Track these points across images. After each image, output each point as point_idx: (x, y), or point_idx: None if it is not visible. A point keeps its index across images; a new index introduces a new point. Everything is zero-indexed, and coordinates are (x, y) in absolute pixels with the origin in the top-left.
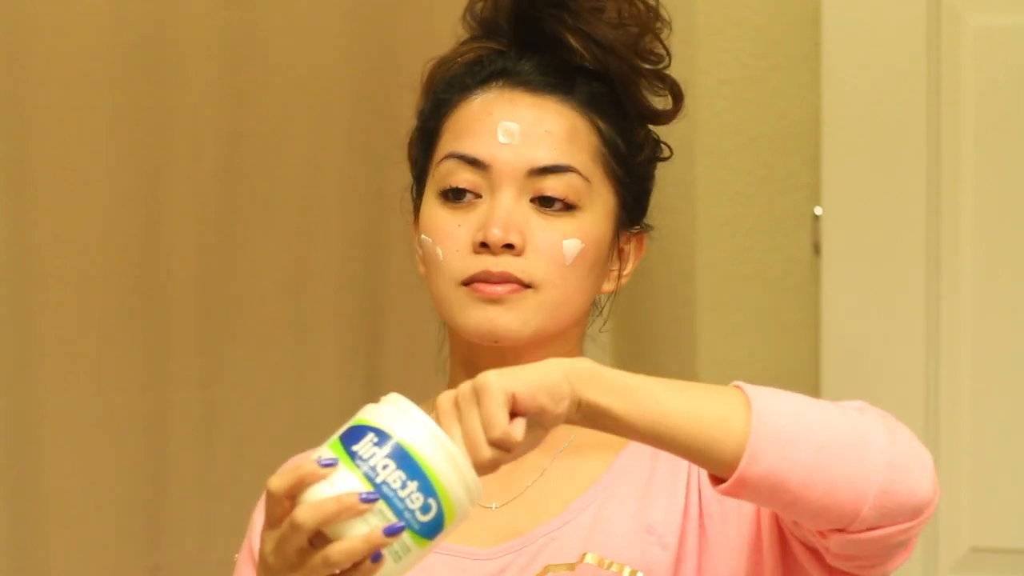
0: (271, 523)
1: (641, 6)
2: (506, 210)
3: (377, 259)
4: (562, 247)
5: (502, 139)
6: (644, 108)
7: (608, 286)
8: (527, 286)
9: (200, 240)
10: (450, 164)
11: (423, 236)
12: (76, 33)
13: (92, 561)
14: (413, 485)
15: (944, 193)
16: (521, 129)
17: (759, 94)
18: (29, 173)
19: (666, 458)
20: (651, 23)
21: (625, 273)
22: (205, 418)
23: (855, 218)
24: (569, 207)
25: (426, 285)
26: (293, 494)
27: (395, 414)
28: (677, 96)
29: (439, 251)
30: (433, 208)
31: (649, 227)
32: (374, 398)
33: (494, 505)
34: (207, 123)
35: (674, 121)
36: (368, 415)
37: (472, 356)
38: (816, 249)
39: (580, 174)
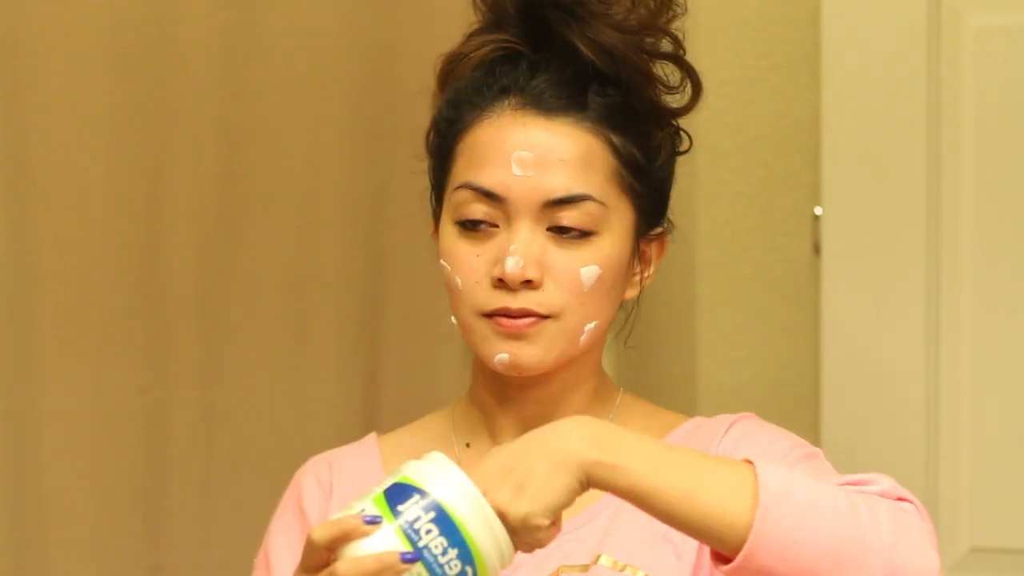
0: (307, 569)
1: (650, 4)
2: (523, 244)
3: (377, 259)
4: (580, 275)
5: (516, 171)
6: (659, 108)
7: (631, 292)
8: (546, 317)
9: (200, 240)
10: (465, 194)
11: (442, 262)
12: (76, 33)
13: (92, 561)
14: (453, 552)
15: (944, 193)
16: (535, 157)
17: (759, 94)
18: (29, 173)
19: None
20: (657, 18)
21: (647, 275)
22: (205, 418)
23: (855, 218)
24: (585, 234)
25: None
26: (334, 547)
27: (441, 477)
28: (695, 82)
29: (459, 280)
30: (451, 236)
31: (670, 225)
32: (374, 398)
33: None
34: (207, 123)
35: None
36: (414, 474)
37: (496, 376)
38: (816, 249)
39: (596, 200)
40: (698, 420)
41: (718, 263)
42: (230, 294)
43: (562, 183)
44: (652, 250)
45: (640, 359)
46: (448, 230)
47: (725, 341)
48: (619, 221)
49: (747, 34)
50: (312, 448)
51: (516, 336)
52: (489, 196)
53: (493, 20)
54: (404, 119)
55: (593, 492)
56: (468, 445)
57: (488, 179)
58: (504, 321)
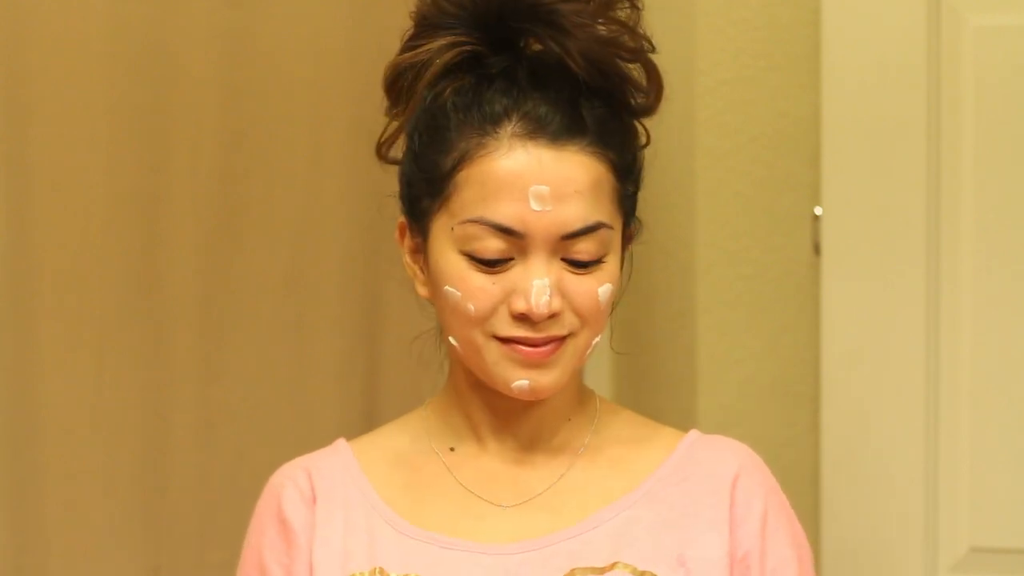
0: None
1: (624, 11)
2: (541, 275)
3: (377, 259)
4: (598, 297)
5: (535, 207)
6: (635, 109)
7: (619, 292)
8: (566, 337)
9: (200, 240)
10: (477, 229)
11: (448, 288)
12: (76, 33)
13: (92, 561)
14: None
15: (944, 193)
16: (552, 191)
17: (759, 94)
18: (29, 173)
19: (707, 500)
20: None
21: (626, 271)
22: (205, 418)
23: (855, 218)
24: (599, 260)
25: (435, 310)
26: None
27: None
28: (658, 82)
29: (471, 307)
30: (457, 265)
31: (639, 223)
32: (374, 398)
33: (504, 505)
34: (207, 123)
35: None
36: None
37: (491, 390)
38: (816, 249)
39: (607, 226)
40: (691, 442)
41: (718, 263)
42: (230, 294)
43: (579, 215)
44: (626, 241)
45: (640, 360)
46: (452, 257)
47: (725, 341)
48: (618, 235)
49: (747, 34)
50: (312, 448)
51: (538, 364)
52: (507, 232)
53: (440, 23)
54: None
55: (601, 496)
56: (452, 449)
57: (505, 215)
58: (524, 350)
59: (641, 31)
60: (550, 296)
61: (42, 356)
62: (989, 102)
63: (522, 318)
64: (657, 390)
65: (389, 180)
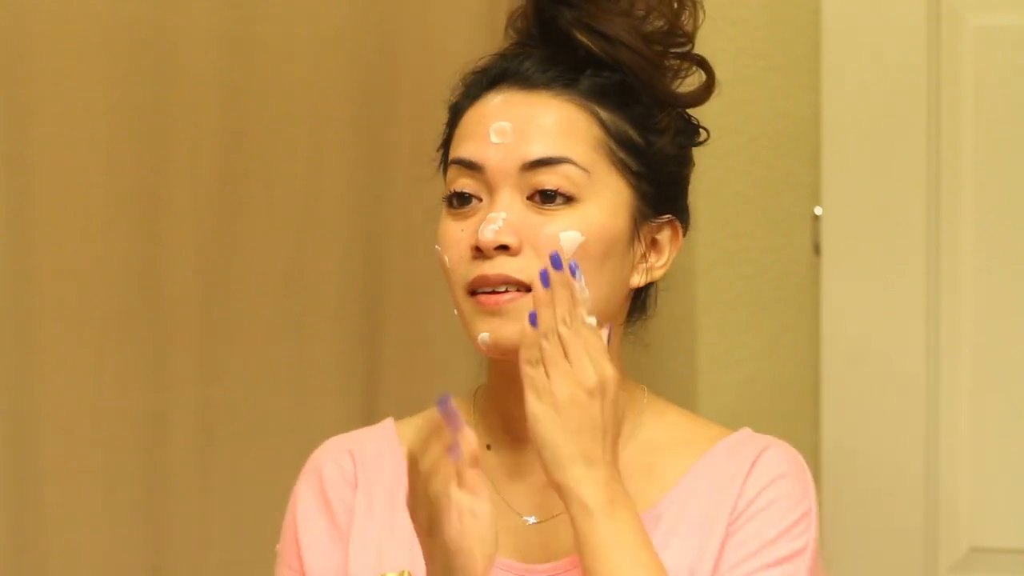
0: None
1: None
2: (499, 210)
3: (377, 259)
4: (559, 241)
5: (494, 139)
6: (665, 94)
7: (637, 279)
8: (528, 288)
9: (200, 240)
10: (452, 171)
11: (436, 247)
12: (76, 33)
13: (92, 561)
14: None
15: (944, 193)
16: (514, 127)
17: (759, 94)
18: (29, 173)
19: (718, 500)
20: (668, 8)
21: (660, 265)
22: (205, 418)
23: (855, 218)
24: (568, 200)
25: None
26: None
27: None
28: (707, 72)
29: (447, 259)
30: (442, 218)
31: (684, 215)
32: (374, 398)
33: (532, 519)
34: (207, 123)
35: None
36: None
37: (511, 376)
38: (816, 249)
39: (577, 165)
40: (737, 438)
41: (718, 263)
42: (230, 294)
43: (540, 146)
44: (664, 239)
45: (640, 359)
46: (441, 214)
47: (725, 341)
48: (609, 193)
49: (747, 34)
50: (312, 448)
51: (494, 312)
52: (469, 167)
53: (518, 43)
54: (404, 119)
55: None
56: (489, 447)
57: (467, 151)
58: (483, 298)
59: (678, 23)
60: (501, 225)
61: (42, 356)
62: (989, 102)
63: (479, 254)
64: (657, 390)
65: (389, 180)
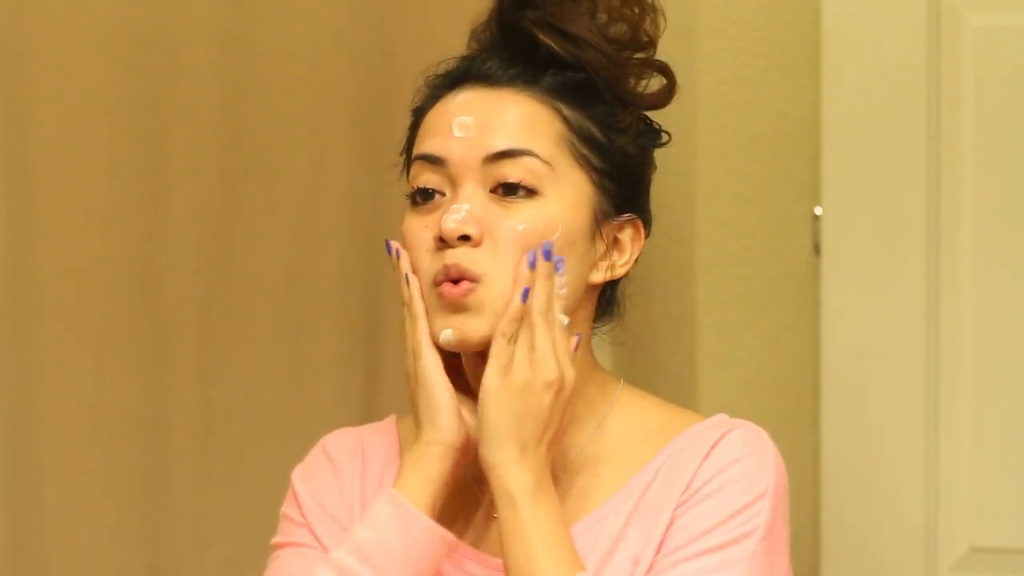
0: None
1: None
2: (463, 202)
3: (377, 259)
4: (519, 232)
5: (457, 133)
6: (629, 95)
7: (597, 276)
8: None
9: (200, 240)
10: (415, 168)
11: (395, 246)
12: (76, 33)
13: (92, 561)
14: None
15: (944, 193)
16: (476, 121)
17: (759, 94)
18: (29, 173)
19: (672, 487)
20: (630, 12)
21: (621, 263)
22: (205, 418)
23: (855, 218)
24: (531, 192)
25: None
26: None
27: None
28: (668, 77)
29: (413, 256)
30: (406, 215)
31: (647, 215)
32: (374, 397)
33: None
34: (207, 123)
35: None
36: None
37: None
38: (816, 249)
39: (539, 158)
40: (709, 423)
41: (718, 263)
42: (230, 293)
43: (502, 139)
44: (626, 237)
45: (640, 359)
46: (406, 212)
47: (725, 341)
48: (571, 188)
49: (747, 34)
50: (310, 447)
51: (456, 307)
52: (433, 161)
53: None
54: (404, 119)
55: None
56: None
57: (430, 146)
58: (444, 291)
59: (643, 27)
60: (464, 216)
61: (42, 356)
62: (989, 102)
63: (442, 245)
64: (657, 390)
65: (389, 180)
